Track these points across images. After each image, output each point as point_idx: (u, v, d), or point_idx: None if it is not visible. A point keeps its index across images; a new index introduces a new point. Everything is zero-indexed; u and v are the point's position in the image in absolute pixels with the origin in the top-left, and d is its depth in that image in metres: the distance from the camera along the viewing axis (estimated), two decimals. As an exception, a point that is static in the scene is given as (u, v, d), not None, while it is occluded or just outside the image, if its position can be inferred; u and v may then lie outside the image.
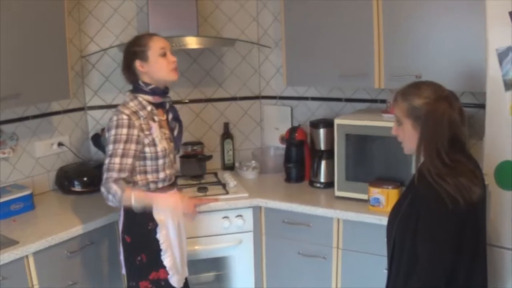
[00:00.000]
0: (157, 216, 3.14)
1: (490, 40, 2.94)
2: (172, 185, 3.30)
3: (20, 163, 3.91)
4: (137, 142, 3.04)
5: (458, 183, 2.36)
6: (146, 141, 3.08)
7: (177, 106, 3.33)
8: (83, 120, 4.38)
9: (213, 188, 4.08)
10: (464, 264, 2.47)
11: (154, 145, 3.10)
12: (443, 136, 2.43)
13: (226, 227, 3.88)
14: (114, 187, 2.97)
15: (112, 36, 4.30)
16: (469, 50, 3.31)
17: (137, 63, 3.13)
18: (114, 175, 2.99)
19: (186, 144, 4.34)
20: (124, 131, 3.00)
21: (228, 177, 4.32)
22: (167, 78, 3.17)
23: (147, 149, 3.09)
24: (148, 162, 3.12)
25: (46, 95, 3.63)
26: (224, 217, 3.88)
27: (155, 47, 3.12)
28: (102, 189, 3.00)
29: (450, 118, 2.44)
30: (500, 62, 2.90)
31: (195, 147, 4.46)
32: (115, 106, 4.23)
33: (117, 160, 3.00)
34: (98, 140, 4.32)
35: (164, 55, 3.14)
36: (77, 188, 4.02)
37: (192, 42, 3.94)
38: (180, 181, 4.02)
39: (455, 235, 2.39)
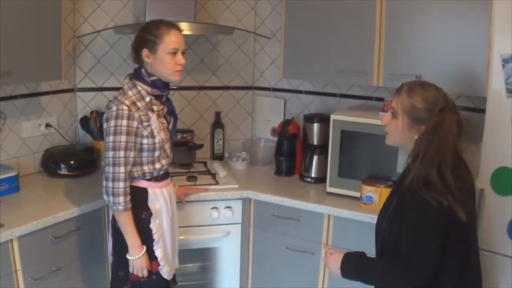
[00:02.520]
0: (152, 205, 3.10)
1: (495, 45, 2.92)
2: (166, 174, 3.25)
3: (6, 143, 3.82)
4: (136, 135, 2.97)
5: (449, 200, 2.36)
6: (145, 133, 3.01)
7: (169, 93, 3.27)
8: (72, 101, 4.29)
9: (202, 178, 4.03)
10: (453, 268, 2.46)
11: (153, 136, 3.03)
12: (448, 150, 2.42)
13: (215, 218, 3.83)
14: (122, 199, 2.95)
15: (107, 18, 4.21)
16: (470, 54, 3.30)
17: (144, 52, 3.02)
18: (122, 170, 2.95)
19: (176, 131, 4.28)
20: (124, 122, 2.92)
21: (217, 167, 4.27)
22: (169, 78, 3.08)
23: (145, 141, 3.02)
24: (145, 154, 3.05)
25: (38, 74, 3.54)
26: (213, 208, 3.83)
27: (167, 42, 3.00)
28: (109, 184, 2.95)
29: (454, 132, 2.45)
30: (504, 68, 2.88)
31: (185, 135, 4.40)
32: (105, 89, 4.24)
33: (121, 153, 2.94)
34: (87, 123, 4.26)
35: (174, 54, 3.03)
36: (63, 171, 3.94)
37: (189, 28, 3.87)
38: (169, 169, 3.95)
39: (438, 234, 2.38)
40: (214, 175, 4.08)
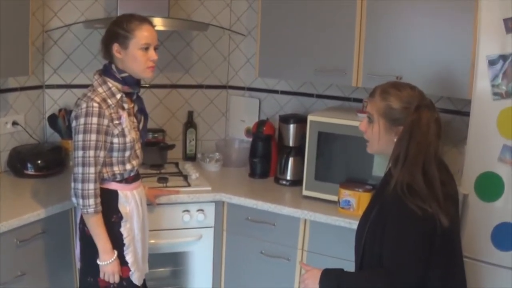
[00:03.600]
0: (123, 208, 3.00)
1: (481, 46, 2.86)
2: (137, 175, 3.15)
3: (-29, 141, 3.70)
4: (107, 133, 2.87)
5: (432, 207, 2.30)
6: (116, 131, 2.90)
7: (140, 91, 3.18)
8: (40, 99, 4.16)
9: (174, 179, 3.92)
10: (438, 276, 2.40)
11: (124, 135, 2.93)
12: (429, 149, 2.36)
13: (186, 221, 3.72)
14: (92, 202, 2.84)
15: (77, 12, 4.08)
16: (452, 55, 3.23)
17: (115, 47, 2.91)
18: (92, 170, 2.83)
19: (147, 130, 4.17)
20: (95, 120, 2.81)
21: (189, 168, 4.17)
22: (141, 75, 2.98)
23: (115, 140, 2.91)
24: (115, 154, 2.95)
25: (5, 70, 3.40)
26: (185, 211, 3.72)
27: (139, 37, 2.89)
28: (79, 186, 2.83)
29: (433, 130, 2.37)
30: (490, 70, 2.81)
31: (156, 135, 4.32)
32: (75, 86, 4.11)
33: (91, 153, 2.82)
34: (55, 121, 4.13)
35: (146, 49, 2.92)
36: (30, 171, 3.81)
37: (162, 24, 3.76)
38: (139, 170, 3.86)
39: (422, 243, 2.32)
40: (186, 177, 3.99)
